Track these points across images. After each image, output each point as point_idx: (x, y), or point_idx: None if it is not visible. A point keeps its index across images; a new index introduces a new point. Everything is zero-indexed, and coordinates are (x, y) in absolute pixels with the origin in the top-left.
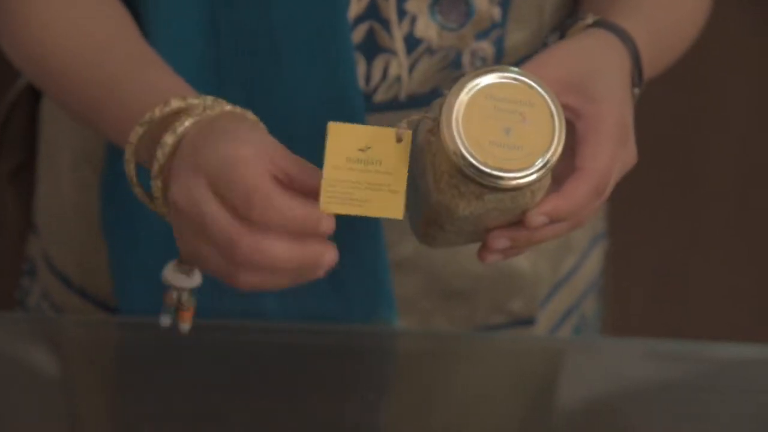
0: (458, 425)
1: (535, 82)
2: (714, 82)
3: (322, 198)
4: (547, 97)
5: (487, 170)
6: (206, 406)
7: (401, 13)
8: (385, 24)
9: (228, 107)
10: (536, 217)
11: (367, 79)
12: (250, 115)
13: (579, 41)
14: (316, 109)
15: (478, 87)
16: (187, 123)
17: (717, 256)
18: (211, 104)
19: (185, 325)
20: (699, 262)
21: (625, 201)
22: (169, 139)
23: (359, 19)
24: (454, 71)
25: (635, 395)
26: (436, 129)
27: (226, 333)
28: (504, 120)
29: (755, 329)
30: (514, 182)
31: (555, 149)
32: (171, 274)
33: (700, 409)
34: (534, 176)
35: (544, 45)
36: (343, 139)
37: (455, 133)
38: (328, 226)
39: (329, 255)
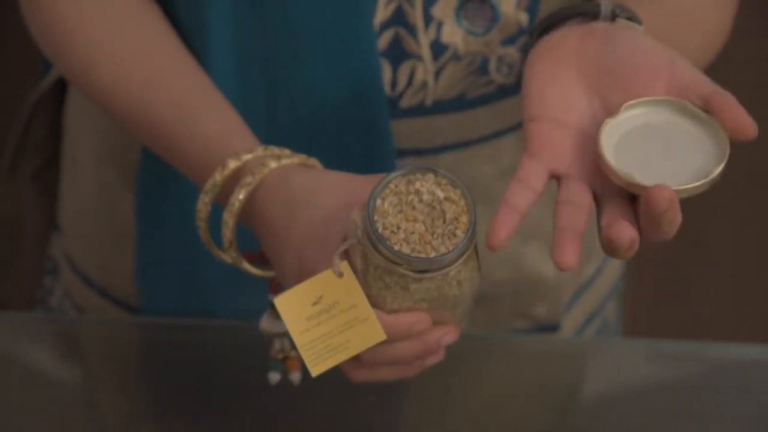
0: (467, 426)
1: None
2: (717, 83)
3: (308, 364)
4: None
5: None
6: (211, 405)
7: (427, 18)
8: (412, 30)
9: (285, 160)
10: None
11: (393, 85)
12: (310, 162)
13: None
14: (342, 116)
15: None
16: (242, 196)
17: (720, 258)
18: (262, 155)
19: (296, 374)
20: (703, 264)
21: None
22: (229, 219)
23: (385, 26)
24: (481, 77)
25: (638, 395)
26: (365, 241)
27: (232, 333)
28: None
29: (758, 330)
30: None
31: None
32: (268, 322)
33: (701, 409)
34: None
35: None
36: (292, 305)
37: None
38: (421, 325)
39: (448, 337)
